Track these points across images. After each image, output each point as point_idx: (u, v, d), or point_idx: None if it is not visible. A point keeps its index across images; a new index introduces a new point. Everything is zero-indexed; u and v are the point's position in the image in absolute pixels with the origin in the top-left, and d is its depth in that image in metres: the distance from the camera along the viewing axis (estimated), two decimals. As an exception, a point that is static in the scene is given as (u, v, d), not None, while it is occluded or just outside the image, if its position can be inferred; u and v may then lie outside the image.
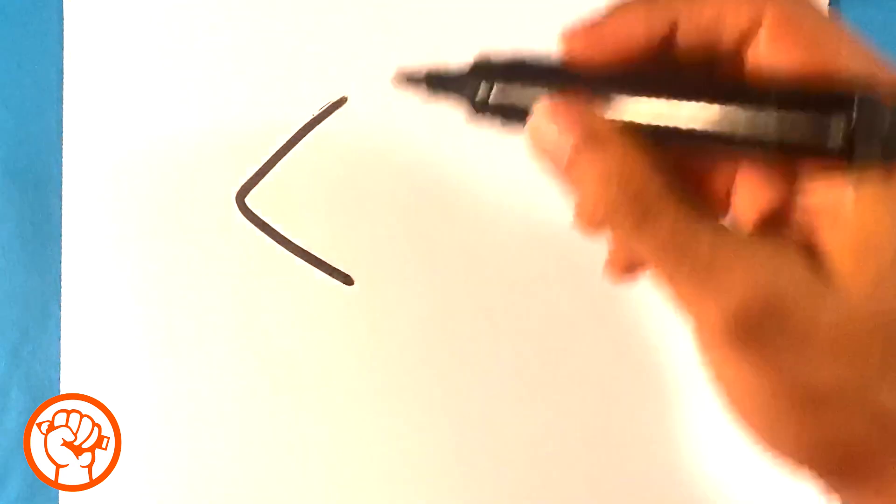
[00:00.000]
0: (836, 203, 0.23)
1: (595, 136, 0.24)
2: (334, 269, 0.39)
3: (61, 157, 0.40)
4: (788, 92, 0.22)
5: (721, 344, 0.24)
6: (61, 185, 0.40)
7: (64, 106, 0.40)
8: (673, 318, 0.36)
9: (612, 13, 0.24)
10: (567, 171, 0.24)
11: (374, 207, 0.39)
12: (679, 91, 0.23)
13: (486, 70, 0.30)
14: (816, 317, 0.23)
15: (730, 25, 0.23)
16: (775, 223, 0.24)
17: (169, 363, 0.39)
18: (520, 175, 0.39)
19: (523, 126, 0.28)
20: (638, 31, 0.24)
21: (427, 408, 0.39)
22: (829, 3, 0.39)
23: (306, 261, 0.39)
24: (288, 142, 0.39)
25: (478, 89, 0.30)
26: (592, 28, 0.24)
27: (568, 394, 0.39)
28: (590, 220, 0.24)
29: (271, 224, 0.39)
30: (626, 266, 0.28)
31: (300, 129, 0.39)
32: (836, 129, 0.21)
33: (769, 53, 0.23)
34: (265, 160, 0.39)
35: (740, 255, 0.23)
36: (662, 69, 0.24)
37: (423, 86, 0.34)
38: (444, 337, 0.39)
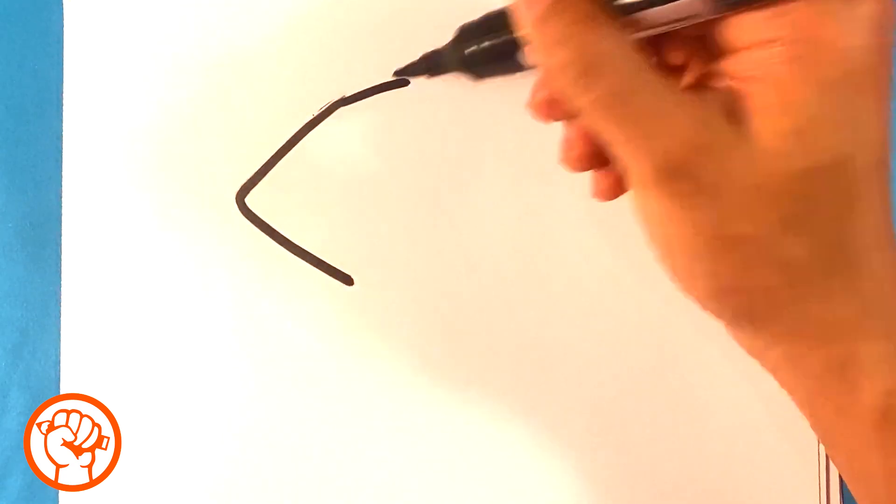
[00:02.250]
0: (761, 65, 0.25)
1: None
2: (334, 269, 0.39)
3: (61, 157, 0.40)
4: None
5: (650, 187, 0.27)
6: (61, 185, 0.40)
7: (64, 106, 0.40)
8: (678, 317, 0.36)
9: None
10: (533, 26, 0.27)
11: (374, 207, 0.39)
12: None
13: (468, 32, 0.32)
14: (732, 169, 0.25)
15: None
16: (710, 87, 0.27)
17: (169, 363, 0.39)
18: (521, 175, 0.39)
19: (517, 72, 0.31)
20: None
21: (427, 408, 0.39)
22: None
23: (306, 261, 0.39)
24: (288, 142, 0.39)
25: (464, 52, 0.31)
26: None
27: (570, 394, 0.39)
28: (540, 63, 0.27)
29: (271, 224, 0.39)
30: (580, 155, 0.31)
31: (300, 129, 0.39)
32: None
33: None
34: (265, 160, 0.39)
35: (670, 110, 0.26)
36: None
37: (422, 71, 0.35)
38: (445, 337, 0.39)
